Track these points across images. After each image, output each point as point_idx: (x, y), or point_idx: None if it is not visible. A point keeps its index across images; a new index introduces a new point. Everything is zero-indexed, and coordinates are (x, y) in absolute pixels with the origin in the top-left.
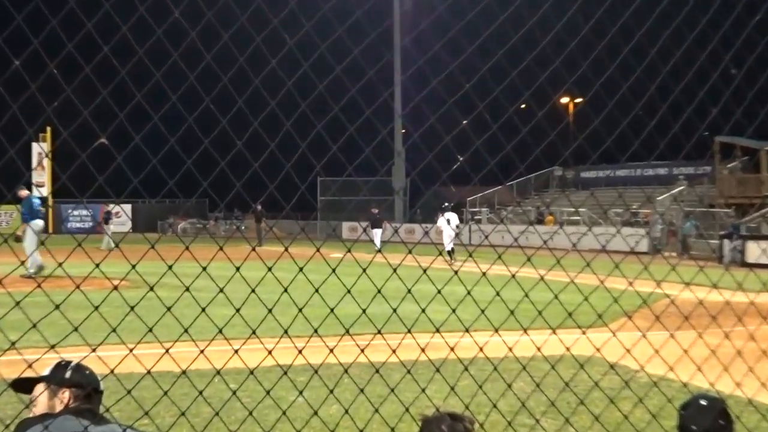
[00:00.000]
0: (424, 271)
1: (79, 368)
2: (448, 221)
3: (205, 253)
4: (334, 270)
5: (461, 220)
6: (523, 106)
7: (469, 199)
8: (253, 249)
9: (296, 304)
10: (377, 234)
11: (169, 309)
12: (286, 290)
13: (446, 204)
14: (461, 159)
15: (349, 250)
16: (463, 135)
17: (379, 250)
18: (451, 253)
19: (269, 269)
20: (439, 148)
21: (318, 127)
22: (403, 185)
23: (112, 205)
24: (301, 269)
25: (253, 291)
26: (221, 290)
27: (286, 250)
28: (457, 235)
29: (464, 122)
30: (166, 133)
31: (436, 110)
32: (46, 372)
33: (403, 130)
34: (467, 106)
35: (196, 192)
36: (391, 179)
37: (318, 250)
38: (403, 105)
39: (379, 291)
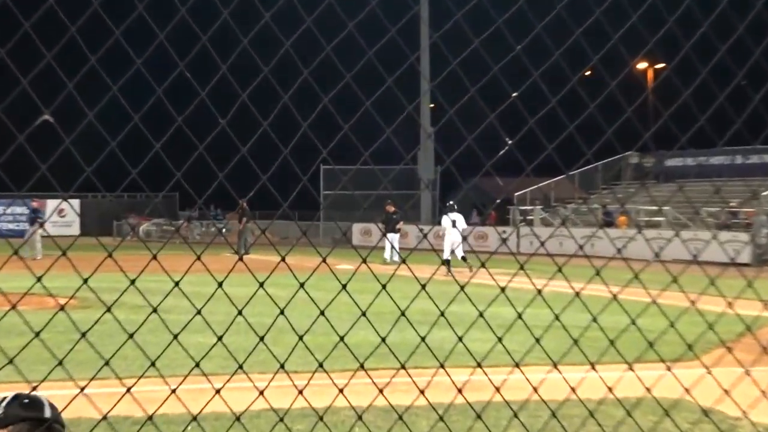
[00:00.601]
0: (462, 288)
1: (16, 399)
2: (454, 223)
3: (177, 263)
4: (344, 286)
5: (509, 221)
6: (588, 73)
7: (517, 194)
8: (240, 259)
9: (295, 331)
10: (395, 240)
11: (131, 336)
12: (282, 312)
13: (450, 203)
14: (510, 142)
15: (364, 261)
16: (511, 111)
17: (404, 261)
18: (464, 260)
19: (261, 285)
20: (482, 128)
21: (325, 100)
22: (433, 176)
23: (56, 201)
24: (302, 285)
25: (239, 313)
26: (198, 312)
27: (283, 259)
28: (464, 239)
29: (513, 95)
30: (128, 108)
31: (477, 79)
32: None
33: (432, 105)
34: (517, 74)
35: (164, 184)
36: (417, 168)
37: (324, 260)
38: (433, 75)
39: (402, 313)
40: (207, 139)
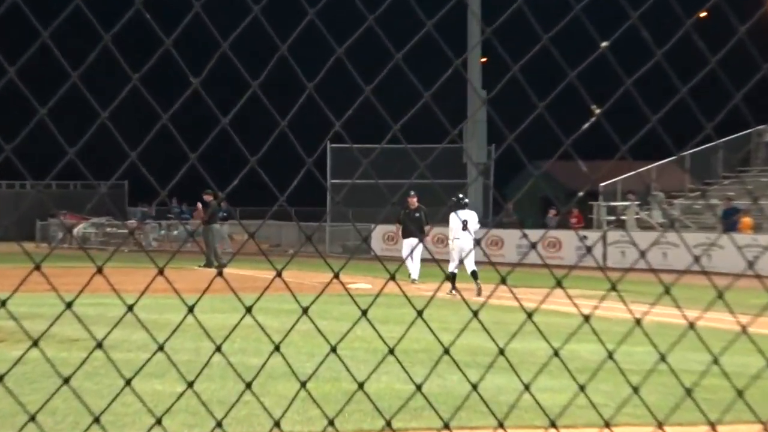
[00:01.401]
0: (529, 315)
1: None
2: (465, 225)
3: (127, 280)
4: (365, 313)
5: (591, 223)
6: (703, 14)
7: (603, 185)
8: (219, 273)
9: (294, 374)
10: (417, 251)
11: (66, 381)
12: (277, 348)
13: (461, 196)
14: (598, 111)
15: (392, 277)
16: (597, 67)
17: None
18: (474, 276)
19: (248, 310)
20: (559, 90)
21: (338, 51)
22: (485, 160)
23: None
24: (305, 311)
25: (218, 349)
26: (160, 348)
27: (279, 275)
28: (477, 243)
29: (603, 44)
30: (67, 68)
31: (547, 24)
32: None
33: (484, 59)
34: (604, 18)
35: (110, 171)
36: (463, 148)
37: (336, 277)
38: (486, 20)
39: (446, 351)
40: (175, 105)
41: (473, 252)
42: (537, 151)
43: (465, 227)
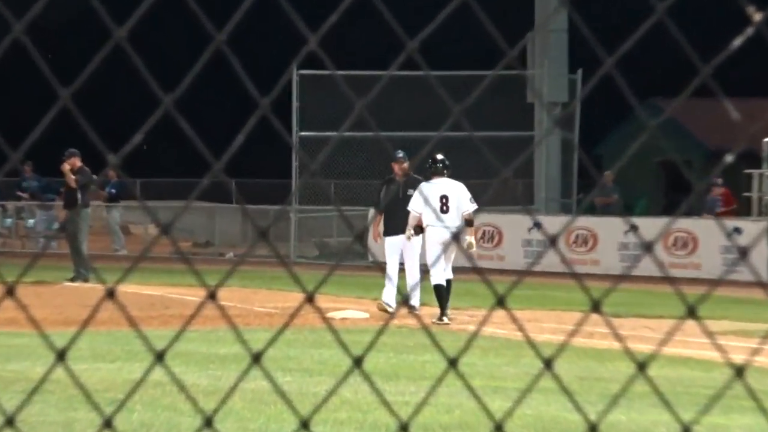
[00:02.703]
0: (641, 367)
1: None
2: (445, 203)
3: None
4: (358, 362)
5: (747, 206)
6: None
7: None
8: (110, 295)
9: None
10: (409, 249)
11: None
12: (208, 424)
13: (439, 158)
14: (759, 17)
15: (406, 303)
16: None
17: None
18: (439, 291)
19: (159, 357)
20: None
21: None
22: (567, 99)
23: None
24: (256, 359)
25: (107, 425)
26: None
27: (212, 297)
28: (452, 236)
29: None
30: None
31: None
32: None
33: None
34: None
35: None
36: (529, 83)
37: (310, 300)
38: None
39: (498, 427)
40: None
41: (454, 249)
42: (651, 87)
43: (445, 208)
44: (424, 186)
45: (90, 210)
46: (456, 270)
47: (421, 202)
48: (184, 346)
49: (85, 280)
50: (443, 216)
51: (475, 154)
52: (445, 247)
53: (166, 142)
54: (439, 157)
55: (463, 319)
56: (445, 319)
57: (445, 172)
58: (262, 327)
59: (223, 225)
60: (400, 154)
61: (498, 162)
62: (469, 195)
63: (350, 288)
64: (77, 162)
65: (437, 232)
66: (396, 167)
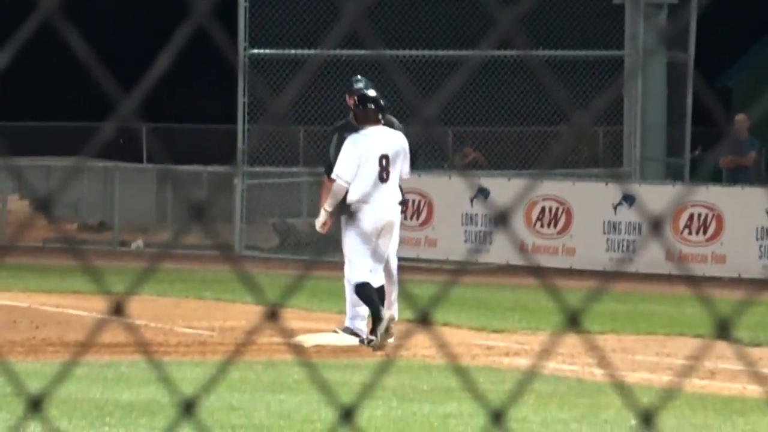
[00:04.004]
0: None
1: None
2: (385, 167)
3: None
4: (347, 416)
5: None
6: None
7: None
8: None
9: None
10: (388, 251)
11: None
12: None
13: (371, 96)
14: None
15: (423, 317)
16: None
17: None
18: (365, 292)
19: (34, 406)
20: None
21: None
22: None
23: None
24: (186, 409)
25: None
26: None
27: (119, 312)
28: (403, 211)
29: None
30: None
31: None
32: None
33: None
34: None
35: None
36: None
37: (270, 317)
38: None
39: None
40: None
41: (398, 235)
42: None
43: (385, 175)
44: (354, 139)
45: None
46: (492, 271)
47: (352, 165)
48: (68, 390)
49: None
50: (381, 186)
51: (523, 89)
52: (379, 235)
53: (40, 65)
54: (372, 93)
55: (509, 348)
56: (373, 337)
57: (380, 117)
58: (190, 359)
59: (127, 198)
60: (360, 83)
61: (567, 98)
62: (407, 151)
63: (328, 298)
64: None
65: (373, 213)
66: (348, 100)
